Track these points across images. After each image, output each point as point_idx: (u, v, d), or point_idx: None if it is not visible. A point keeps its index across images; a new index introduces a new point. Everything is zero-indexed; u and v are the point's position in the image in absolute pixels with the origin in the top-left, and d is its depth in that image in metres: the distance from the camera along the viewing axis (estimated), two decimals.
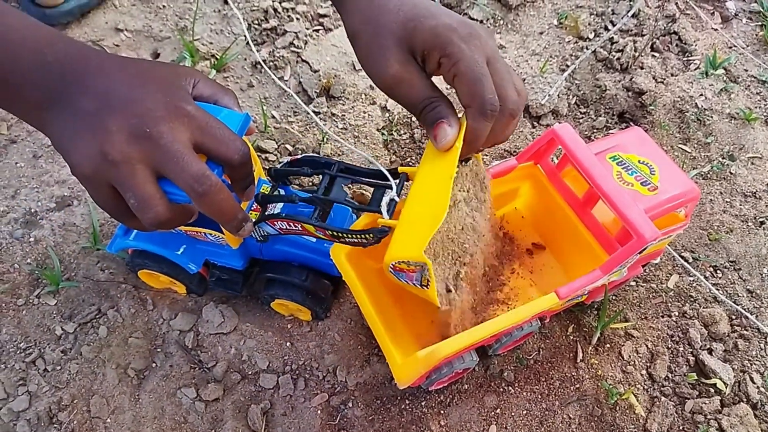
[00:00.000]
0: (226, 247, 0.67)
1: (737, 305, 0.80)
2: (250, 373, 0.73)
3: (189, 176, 0.47)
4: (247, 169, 0.53)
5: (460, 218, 0.60)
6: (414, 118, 0.98)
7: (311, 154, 0.64)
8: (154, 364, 0.73)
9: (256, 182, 0.62)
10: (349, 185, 0.87)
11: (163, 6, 1.04)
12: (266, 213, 0.63)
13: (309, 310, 0.73)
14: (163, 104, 0.48)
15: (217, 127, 0.50)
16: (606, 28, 1.09)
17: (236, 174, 0.52)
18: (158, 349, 0.74)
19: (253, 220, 0.63)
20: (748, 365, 0.76)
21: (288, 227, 0.62)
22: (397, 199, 0.59)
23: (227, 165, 0.51)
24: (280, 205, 0.64)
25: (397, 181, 0.61)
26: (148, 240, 0.69)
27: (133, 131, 0.46)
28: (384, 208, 0.58)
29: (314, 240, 0.69)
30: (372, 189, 0.65)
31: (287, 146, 0.91)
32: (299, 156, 0.65)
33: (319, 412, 0.70)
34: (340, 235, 0.59)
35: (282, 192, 0.67)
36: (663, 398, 0.73)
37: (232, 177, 0.53)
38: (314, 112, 0.96)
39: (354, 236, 0.59)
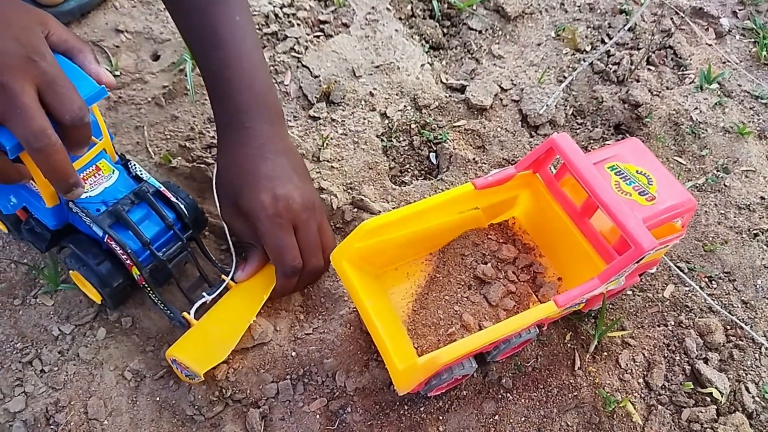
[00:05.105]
0: (43, 202, 0.66)
1: (732, 315, 0.81)
2: None
3: (29, 130, 0.50)
4: (80, 133, 0.55)
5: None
6: (413, 126, 0.99)
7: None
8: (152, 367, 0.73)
9: (96, 152, 0.66)
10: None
11: (164, 8, 1.04)
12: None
13: (99, 295, 0.71)
14: (19, 54, 0.51)
15: (62, 85, 0.53)
16: (603, 41, 1.10)
17: (69, 135, 0.55)
18: (157, 351, 0.73)
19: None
20: (744, 375, 0.77)
21: None
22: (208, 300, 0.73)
23: (59, 124, 0.53)
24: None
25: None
26: None
27: None
28: (193, 310, 0.71)
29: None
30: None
31: None
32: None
33: (318, 416, 0.70)
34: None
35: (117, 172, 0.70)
36: (660, 407, 0.74)
37: (65, 136, 0.55)
38: (314, 117, 0.97)
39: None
